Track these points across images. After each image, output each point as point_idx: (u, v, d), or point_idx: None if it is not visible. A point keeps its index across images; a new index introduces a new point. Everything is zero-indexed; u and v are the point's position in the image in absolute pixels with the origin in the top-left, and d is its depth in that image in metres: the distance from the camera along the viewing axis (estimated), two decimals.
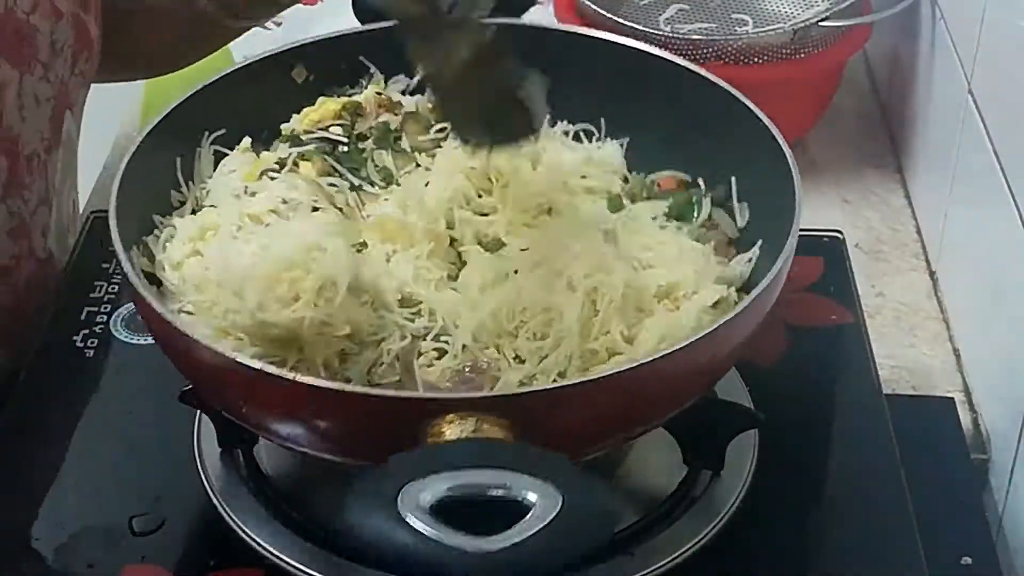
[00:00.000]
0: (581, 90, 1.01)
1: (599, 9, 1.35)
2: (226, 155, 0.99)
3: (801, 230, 1.18)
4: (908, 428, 1.01)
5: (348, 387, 0.79)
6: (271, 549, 0.89)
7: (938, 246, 1.30)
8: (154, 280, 0.91)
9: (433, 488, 0.69)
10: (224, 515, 0.92)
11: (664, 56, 1.01)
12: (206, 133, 0.99)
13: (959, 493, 1.04)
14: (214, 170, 0.98)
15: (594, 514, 0.71)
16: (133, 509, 0.93)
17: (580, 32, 1.06)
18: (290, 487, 0.94)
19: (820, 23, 1.34)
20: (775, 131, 0.93)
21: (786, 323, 1.07)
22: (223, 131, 0.99)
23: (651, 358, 0.77)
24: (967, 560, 0.99)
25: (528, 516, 0.68)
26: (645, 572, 0.88)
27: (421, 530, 0.67)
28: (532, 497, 0.69)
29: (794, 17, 1.37)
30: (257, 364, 0.78)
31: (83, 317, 1.08)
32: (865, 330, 1.07)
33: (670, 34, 1.35)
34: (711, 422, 0.93)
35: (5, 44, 1.03)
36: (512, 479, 0.69)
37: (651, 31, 1.33)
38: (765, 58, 1.33)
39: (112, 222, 0.86)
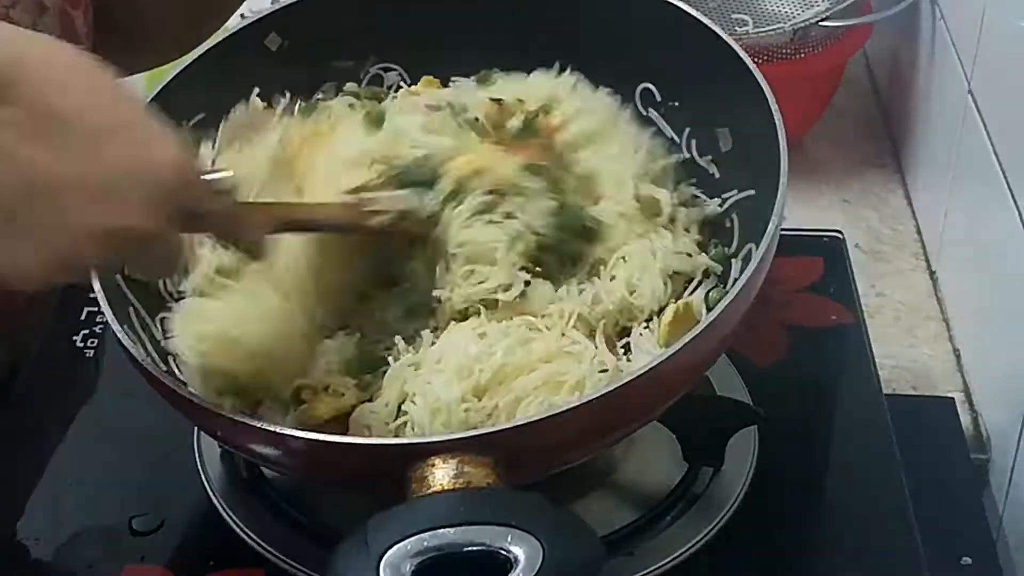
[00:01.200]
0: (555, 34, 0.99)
1: None
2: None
3: (801, 230, 1.18)
4: (908, 428, 1.01)
5: (328, 437, 0.78)
6: (271, 549, 0.89)
7: (938, 246, 1.30)
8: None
9: (415, 549, 0.69)
10: (224, 515, 0.92)
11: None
12: (184, 122, 0.95)
13: (959, 493, 1.04)
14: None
15: (577, 563, 0.70)
16: (133, 509, 0.93)
17: None
18: (290, 487, 0.94)
19: (820, 23, 1.34)
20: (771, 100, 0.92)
21: (786, 323, 1.07)
22: (202, 115, 0.96)
23: (632, 376, 0.76)
24: (967, 560, 0.99)
25: (512, 573, 0.68)
26: (645, 572, 0.88)
27: None
28: (515, 550, 0.69)
29: (794, 17, 1.37)
30: (238, 416, 0.79)
31: (83, 317, 1.08)
32: (865, 330, 1.07)
33: None
34: (711, 419, 0.93)
35: None
36: (492, 534, 0.69)
37: None
38: (765, 58, 1.33)
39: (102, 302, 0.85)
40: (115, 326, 0.83)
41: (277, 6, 1.00)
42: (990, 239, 1.16)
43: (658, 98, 0.98)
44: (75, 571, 0.90)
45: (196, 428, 0.97)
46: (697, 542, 0.90)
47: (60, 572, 0.90)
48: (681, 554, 0.89)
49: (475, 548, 0.69)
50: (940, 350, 1.21)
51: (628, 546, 0.89)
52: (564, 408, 0.75)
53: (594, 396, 0.76)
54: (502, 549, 0.69)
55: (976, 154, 1.16)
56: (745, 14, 1.39)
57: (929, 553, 0.90)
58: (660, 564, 0.88)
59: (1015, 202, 1.07)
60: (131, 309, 0.88)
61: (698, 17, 0.94)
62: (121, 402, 1.02)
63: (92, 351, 1.06)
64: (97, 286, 0.84)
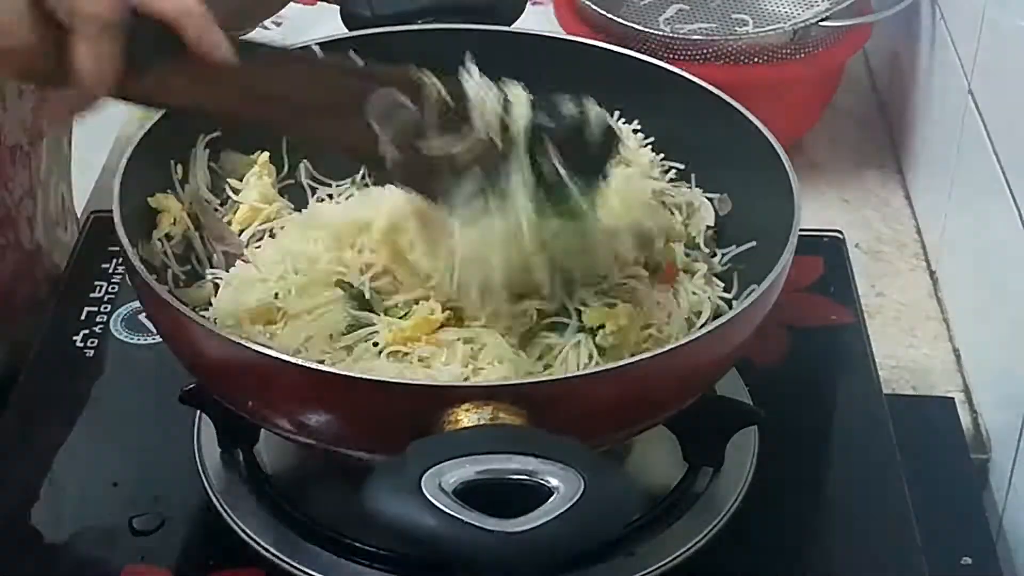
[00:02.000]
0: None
1: (599, 9, 1.35)
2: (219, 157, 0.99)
3: (801, 230, 1.18)
4: (908, 428, 1.01)
5: (363, 374, 0.79)
6: (271, 549, 0.89)
7: (938, 246, 1.30)
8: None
9: (456, 473, 0.69)
10: (224, 515, 0.92)
11: (659, 64, 1.01)
12: (201, 136, 0.98)
13: (959, 493, 1.04)
14: (207, 172, 0.98)
15: (615, 497, 0.71)
16: (133, 509, 0.93)
17: (568, 39, 1.07)
18: (290, 487, 0.94)
19: (820, 23, 1.34)
20: (769, 135, 0.94)
21: (786, 323, 1.07)
22: (217, 133, 0.98)
23: (663, 350, 0.79)
24: (967, 560, 0.99)
25: (551, 499, 0.69)
26: (645, 572, 0.88)
27: (448, 511, 0.68)
28: (554, 481, 0.69)
29: (794, 17, 1.37)
30: (267, 350, 0.78)
31: (83, 317, 1.08)
32: (865, 330, 1.07)
33: (670, 34, 1.35)
34: (711, 419, 0.93)
35: None
36: (534, 464, 0.70)
37: (651, 31, 1.33)
38: (765, 58, 1.33)
39: (117, 218, 0.86)
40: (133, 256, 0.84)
41: (301, 42, 0.97)
42: (990, 239, 1.16)
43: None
44: (75, 571, 0.90)
45: (196, 428, 0.97)
46: (697, 542, 0.90)
47: (60, 572, 0.90)
48: (681, 554, 0.89)
49: (516, 476, 0.69)
50: (940, 350, 1.21)
51: (628, 546, 0.89)
52: (603, 368, 0.78)
53: (638, 359, 0.78)
54: (543, 479, 0.69)
55: (976, 154, 1.16)
56: (745, 14, 1.39)
57: (929, 553, 0.90)
58: (660, 564, 0.88)
59: (1015, 202, 1.07)
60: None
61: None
62: (121, 402, 1.02)
63: (92, 351, 1.06)
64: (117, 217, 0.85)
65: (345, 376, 0.78)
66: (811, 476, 0.97)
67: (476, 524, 0.67)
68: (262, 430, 0.96)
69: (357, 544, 0.89)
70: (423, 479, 0.68)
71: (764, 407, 0.96)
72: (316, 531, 0.90)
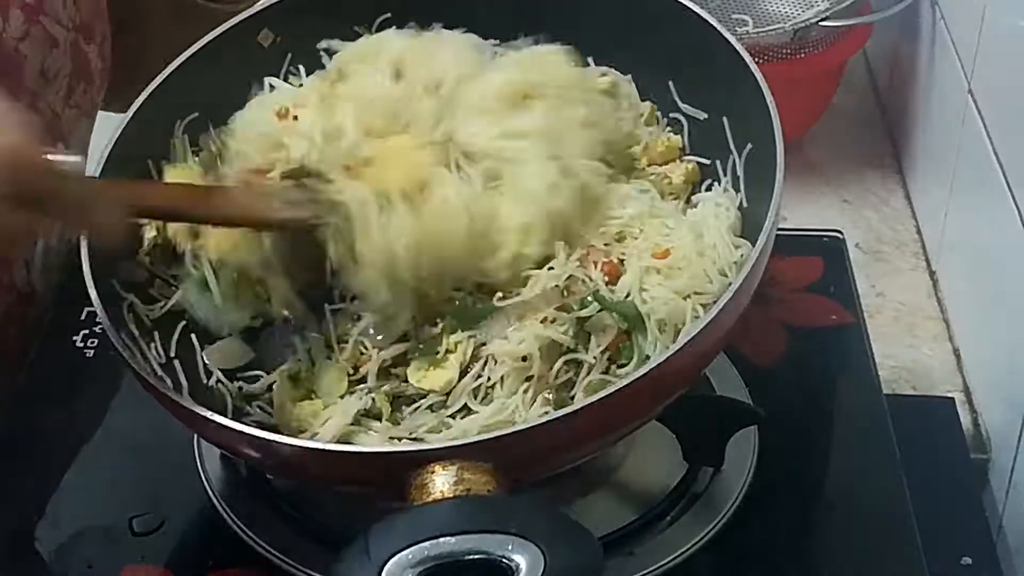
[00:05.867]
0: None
1: None
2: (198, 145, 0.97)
3: (801, 230, 1.18)
4: (908, 428, 1.01)
5: (331, 446, 0.80)
6: (271, 549, 0.89)
7: (938, 246, 1.30)
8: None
9: (416, 558, 0.69)
10: (224, 515, 0.92)
11: None
12: (179, 121, 0.96)
13: (959, 493, 1.04)
14: (191, 157, 0.96)
15: (577, 569, 0.71)
16: (133, 509, 0.93)
17: None
18: (290, 487, 0.94)
19: (820, 23, 1.34)
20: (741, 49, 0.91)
21: (786, 323, 1.07)
22: (195, 115, 0.96)
23: (631, 379, 0.76)
24: (967, 560, 0.99)
25: None
26: (645, 572, 0.88)
27: None
28: (517, 558, 0.69)
29: (794, 17, 1.37)
30: (246, 429, 0.79)
31: (83, 317, 1.08)
32: (865, 330, 1.07)
33: None
34: (711, 419, 0.93)
35: None
36: (493, 542, 0.70)
37: None
38: (765, 58, 1.33)
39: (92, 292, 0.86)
40: (112, 335, 0.84)
41: (269, 2, 1.00)
42: (990, 239, 1.16)
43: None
44: (75, 571, 0.90)
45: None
46: (697, 542, 0.90)
47: (60, 572, 0.90)
48: (681, 554, 0.89)
49: (476, 556, 0.69)
50: (940, 350, 1.21)
51: (628, 546, 0.89)
52: (563, 413, 0.76)
53: (591, 400, 0.76)
54: (503, 557, 0.69)
55: (976, 154, 1.16)
56: (745, 14, 1.39)
57: (929, 553, 0.90)
58: (660, 564, 0.88)
59: (1015, 202, 1.07)
60: (127, 310, 0.89)
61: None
62: (121, 402, 1.02)
63: (92, 351, 1.06)
64: (93, 294, 0.85)
65: (307, 448, 0.79)
66: (811, 476, 0.97)
67: None
68: None
69: None
70: (383, 572, 0.69)
71: (764, 407, 0.96)
72: (316, 531, 0.91)
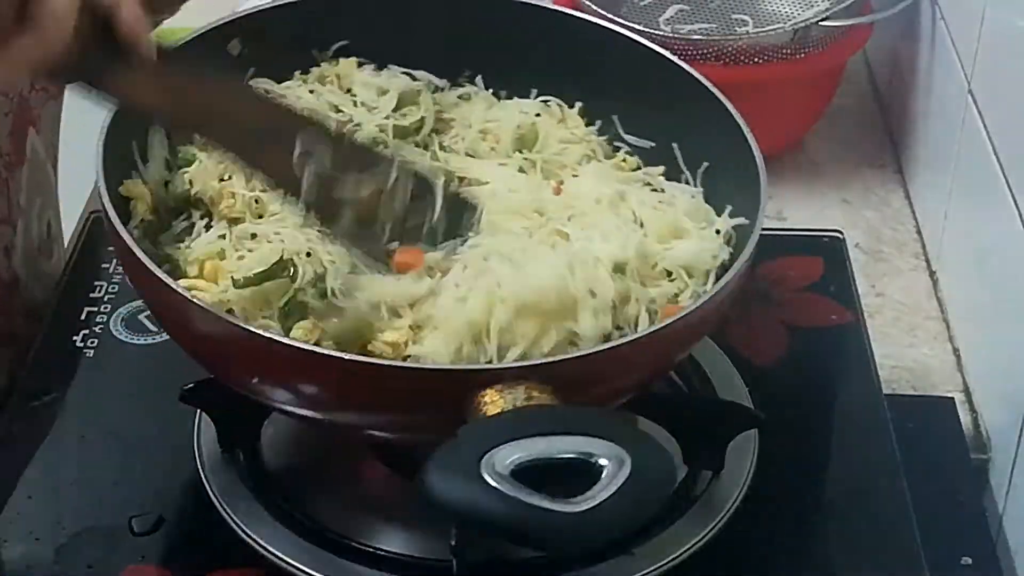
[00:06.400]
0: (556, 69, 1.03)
1: (599, 9, 1.35)
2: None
3: (801, 230, 1.18)
4: (908, 428, 1.01)
5: (384, 361, 0.81)
6: (271, 549, 0.89)
7: (938, 246, 1.30)
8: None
9: (511, 456, 0.70)
10: (224, 515, 0.92)
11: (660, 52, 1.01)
12: (147, 127, 0.95)
13: (959, 493, 1.04)
14: (166, 151, 0.96)
15: (659, 474, 0.74)
16: (133, 509, 0.93)
17: (558, 10, 1.07)
18: (290, 487, 0.94)
19: (820, 23, 1.34)
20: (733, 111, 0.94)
21: (786, 323, 1.07)
22: None
23: (672, 319, 0.82)
24: (967, 560, 0.99)
25: (602, 478, 0.70)
26: (645, 572, 0.88)
27: (513, 494, 0.69)
28: (603, 461, 0.71)
29: (794, 17, 1.37)
30: (283, 338, 0.80)
31: (83, 317, 1.08)
32: (865, 330, 1.07)
33: (670, 34, 1.35)
34: (711, 422, 0.93)
35: None
36: (582, 443, 0.72)
37: (651, 31, 1.33)
38: (765, 58, 1.33)
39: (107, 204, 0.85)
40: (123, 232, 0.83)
41: (240, 12, 1.01)
42: (990, 239, 1.16)
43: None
44: (75, 571, 0.90)
45: (196, 428, 0.97)
46: (697, 542, 0.90)
47: (60, 572, 0.90)
48: (681, 554, 0.89)
49: (569, 456, 0.71)
50: (940, 350, 1.21)
51: (628, 546, 0.89)
52: (618, 343, 0.81)
53: (642, 334, 0.83)
54: (592, 457, 0.71)
55: (976, 154, 1.16)
56: (745, 14, 1.39)
57: (929, 553, 0.90)
58: (660, 564, 0.88)
59: (1015, 202, 1.07)
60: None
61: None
62: (121, 402, 1.02)
63: (92, 351, 1.06)
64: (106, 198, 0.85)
65: (361, 362, 0.79)
66: (811, 476, 0.97)
67: (542, 506, 0.69)
68: (262, 430, 0.96)
69: (357, 544, 0.89)
70: (481, 464, 0.70)
71: (764, 407, 0.96)
72: (316, 531, 0.90)
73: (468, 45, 1.03)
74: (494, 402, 0.75)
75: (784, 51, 1.34)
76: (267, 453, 0.96)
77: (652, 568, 0.88)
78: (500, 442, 0.71)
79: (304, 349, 0.80)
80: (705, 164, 0.97)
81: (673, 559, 0.89)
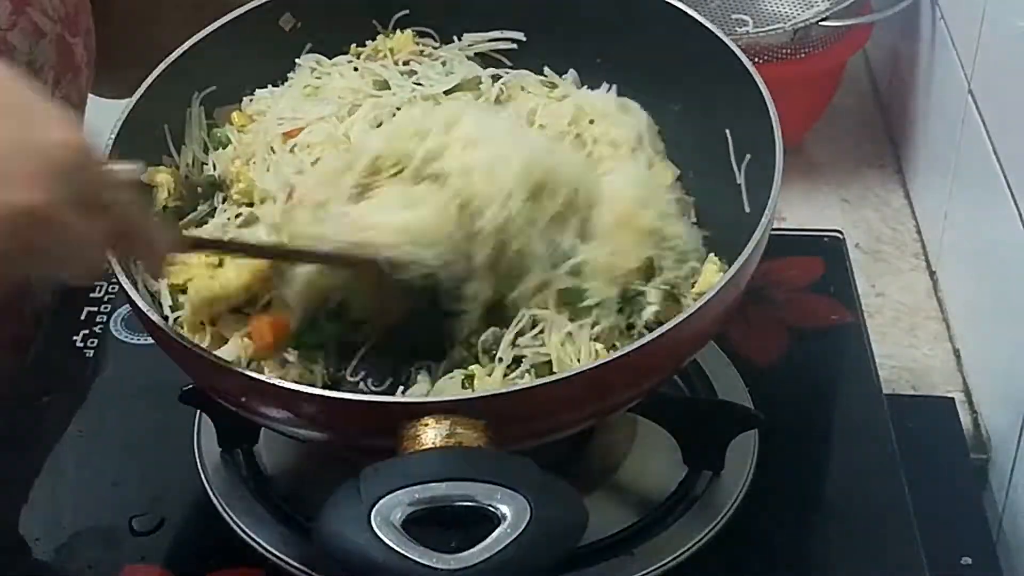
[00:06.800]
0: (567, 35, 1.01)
1: None
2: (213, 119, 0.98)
3: (801, 230, 1.18)
4: (908, 428, 1.01)
5: (328, 393, 0.80)
6: (271, 549, 0.89)
7: (938, 246, 1.30)
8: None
9: (406, 502, 0.70)
10: (224, 515, 0.92)
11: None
12: (195, 92, 0.96)
13: (959, 493, 1.04)
14: (205, 130, 0.97)
15: (563, 523, 0.72)
16: (133, 509, 0.93)
17: None
18: (290, 487, 0.94)
19: (820, 23, 1.34)
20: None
21: (786, 323, 1.07)
22: (213, 88, 0.97)
23: (620, 353, 0.78)
24: (967, 560, 0.99)
25: (499, 528, 0.70)
26: (645, 572, 0.88)
27: (394, 547, 0.69)
28: (503, 508, 0.70)
29: (794, 17, 1.37)
30: (247, 372, 0.80)
31: (83, 317, 1.08)
32: (865, 330, 1.07)
33: None
34: (711, 422, 0.93)
35: None
36: (481, 490, 0.71)
37: None
38: (765, 58, 1.33)
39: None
40: (127, 286, 0.83)
41: None
42: (990, 239, 1.16)
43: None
44: (75, 571, 0.90)
45: (196, 428, 0.97)
46: (697, 542, 0.90)
47: (60, 572, 0.90)
48: (681, 554, 0.89)
49: (464, 503, 0.71)
50: (940, 350, 1.21)
51: (628, 546, 0.89)
52: (556, 378, 0.78)
53: (584, 369, 0.78)
54: (490, 505, 0.70)
55: (976, 154, 1.16)
56: (745, 14, 1.39)
57: (929, 553, 0.90)
58: (660, 564, 0.88)
59: (1015, 202, 1.07)
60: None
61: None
62: (121, 402, 1.02)
63: (92, 351, 1.06)
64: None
65: (309, 394, 0.79)
66: (811, 476, 0.97)
67: (423, 562, 0.69)
68: (262, 430, 0.96)
69: None
70: (373, 512, 0.70)
71: (764, 407, 0.96)
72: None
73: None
74: (421, 435, 0.74)
75: (784, 51, 1.34)
76: (267, 453, 0.96)
77: (652, 568, 0.88)
78: (397, 487, 0.70)
79: (258, 379, 0.79)
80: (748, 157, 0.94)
81: (673, 559, 0.89)
